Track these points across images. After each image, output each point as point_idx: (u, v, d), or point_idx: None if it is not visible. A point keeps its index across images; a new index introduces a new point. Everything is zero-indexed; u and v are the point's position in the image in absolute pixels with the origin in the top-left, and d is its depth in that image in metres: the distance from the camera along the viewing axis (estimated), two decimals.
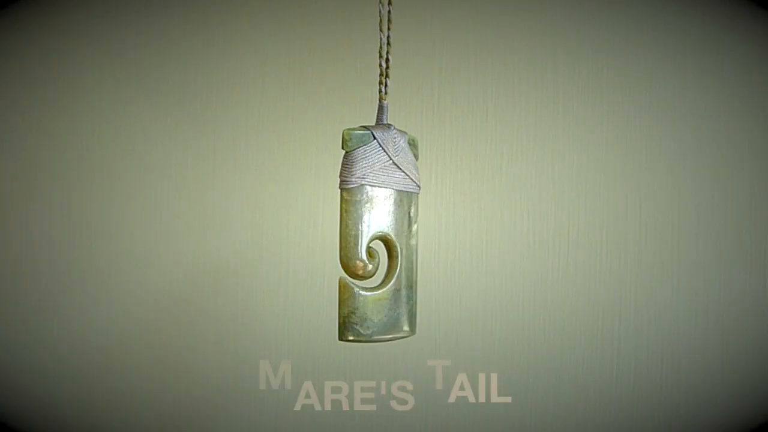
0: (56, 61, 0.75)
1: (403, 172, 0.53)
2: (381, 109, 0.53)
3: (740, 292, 0.72)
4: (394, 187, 0.53)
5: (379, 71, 0.52)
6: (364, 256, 0.52)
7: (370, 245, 0.52)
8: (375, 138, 0.51)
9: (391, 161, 0.52)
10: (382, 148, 0.52)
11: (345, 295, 0.52)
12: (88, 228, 0.74)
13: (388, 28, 0.52)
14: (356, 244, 0.52)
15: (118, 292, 0.74)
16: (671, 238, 0.72)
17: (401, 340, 0.53)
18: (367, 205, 0.52)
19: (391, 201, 0.53)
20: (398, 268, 0.53)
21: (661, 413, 0.72)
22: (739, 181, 0.72)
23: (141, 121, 0.74)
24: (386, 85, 0.53)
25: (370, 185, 0.52)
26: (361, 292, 0.53)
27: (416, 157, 0.53)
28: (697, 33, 0.73)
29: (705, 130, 0.72)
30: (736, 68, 0.72)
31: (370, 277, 0.53)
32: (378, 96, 0.52)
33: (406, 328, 0.53)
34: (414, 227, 0.54)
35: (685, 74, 0.73)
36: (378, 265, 0.53)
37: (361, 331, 0.53)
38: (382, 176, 0.52)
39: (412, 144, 0.53)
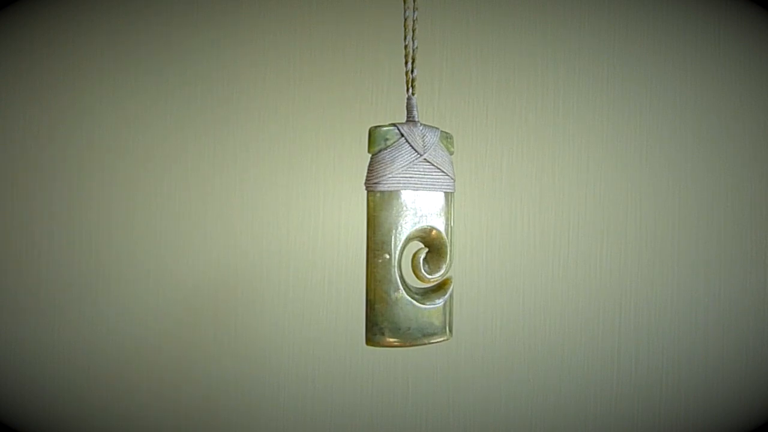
0: (56, 61, 0.74)
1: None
2: (410, 104, 0.50)
3: (740, 291, 0.72)
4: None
5: (405, 70, 0.51)
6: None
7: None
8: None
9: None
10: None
11: None
12: (89, 229, 0.74)
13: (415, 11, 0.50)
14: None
15: (118, 293, 0.74)
16: (671, 237, 0.72)
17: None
18: None
19: None
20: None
21: (662, 413, 0.72)
22: (740, 181, 0.72)
23: (141, 121, 0.74)
24: (413, 80, 0.51)
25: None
26: None
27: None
28: (697, 33, 0.73)
29: (705, 130, 0.72)
30: (736, 68, 0.72)
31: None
32: (406, 93, 0.50)
33: None
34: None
35: (685, 74, 0.73)
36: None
37: None
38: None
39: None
